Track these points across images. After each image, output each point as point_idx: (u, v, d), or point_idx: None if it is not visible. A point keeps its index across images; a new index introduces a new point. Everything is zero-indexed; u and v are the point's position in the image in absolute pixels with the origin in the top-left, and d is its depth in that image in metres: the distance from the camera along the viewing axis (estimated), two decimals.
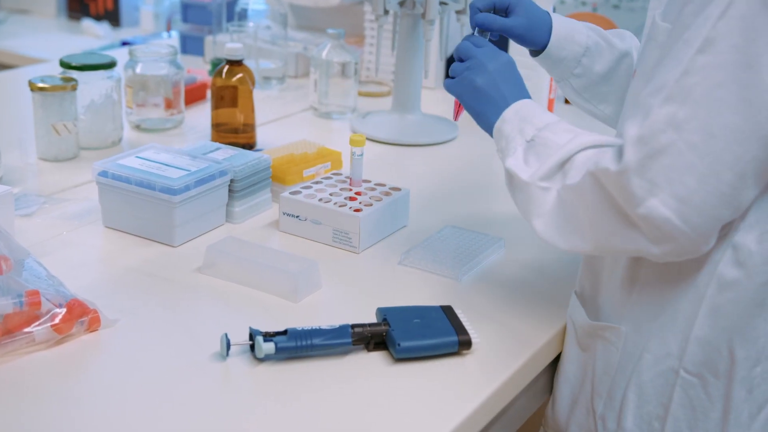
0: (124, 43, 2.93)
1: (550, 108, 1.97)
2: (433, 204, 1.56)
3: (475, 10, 1.27)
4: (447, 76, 1.25)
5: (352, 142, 1.41)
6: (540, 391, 1.24)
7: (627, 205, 0.96)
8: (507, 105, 1.14)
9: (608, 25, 2.59)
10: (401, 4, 1.79)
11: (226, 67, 1.71)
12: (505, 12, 1.29)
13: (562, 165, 1.05)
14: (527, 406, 1.22)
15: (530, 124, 1.11)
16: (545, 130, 1.09)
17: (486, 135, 1.93)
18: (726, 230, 1.00)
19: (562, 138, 1.07)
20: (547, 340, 1.18)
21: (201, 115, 1.96)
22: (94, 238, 1.38)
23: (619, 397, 1.10)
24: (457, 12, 1.80)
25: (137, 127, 1.84)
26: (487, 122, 1.17)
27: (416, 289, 1.27)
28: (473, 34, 1.27)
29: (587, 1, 2.59)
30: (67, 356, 1.08)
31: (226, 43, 1.72)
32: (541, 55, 1.31)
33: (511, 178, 1.10)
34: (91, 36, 3.40)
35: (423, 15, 1.75)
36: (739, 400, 1.03)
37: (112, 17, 3.55)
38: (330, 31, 1.95)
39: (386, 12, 1.77)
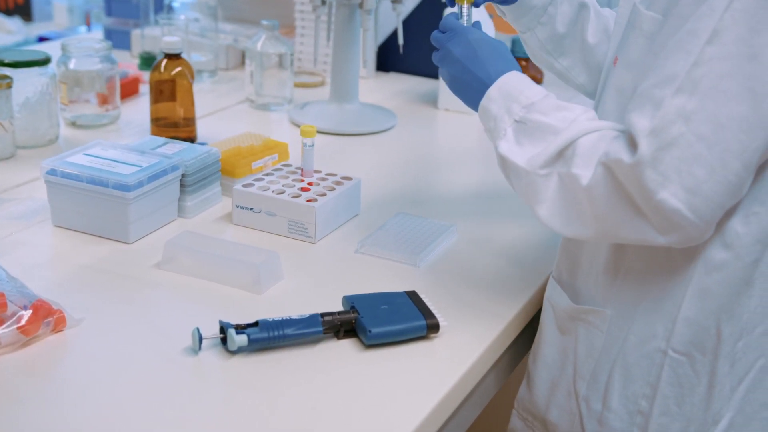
0: (41, 39, 2.87)
1: None
2: (380, 191, 1.58)
3: None
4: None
5: (303, 133, 1.42)
6: (505, 368, 1.27)
7: (638, 197, 0.98)
8: (487, 85, 1.13)
9: None
10: None
11: (165, 61, 1.70)
12: None
13: (563, 151, 1.05)
14: (494, 384, 1.25)
15: (516, 101, 1.10)
16: (534, 111, 1.08)
17: (423, 123, 1.97)
18: None
19: (554, 120, 1.07)
20: (510, 319, 1.21)
21: (135, 110, 1.93)
22: (45, 238, 1.36)
23: (604, 378, 1.13)
24: (393, 2, 1.82)
25: (73, 123, 1.81)
26: (473, 107, 1.17)
27: (376, 277, 1.29)
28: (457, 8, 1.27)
29: None
30: (35, 358, 1.07)
31: (164, 37, 1.70)
32: (514, 5, 1.33)
33: (504, 162, 1.10)
34: (3, 32, 3.31)
35: (361, 5, 1.77)
36: (723, 374, 1.07)
37: (24, 12, 3.47)
38: (264, 22, 1.95)
39: (324, 2, 1.77)
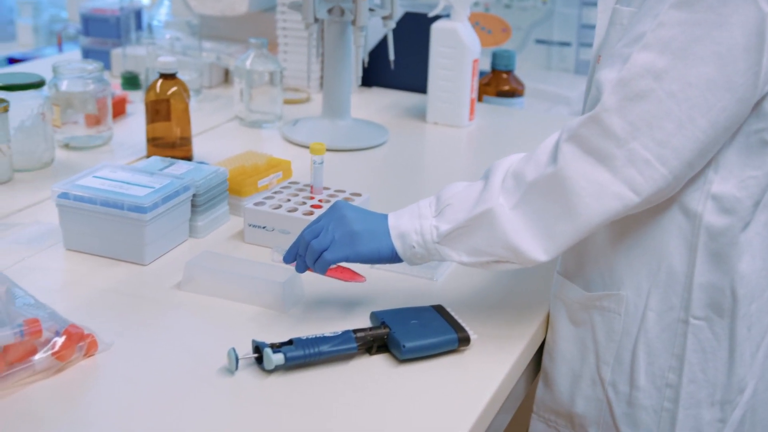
0: (11, 60, 2.83)
1: (471, 109, 2.03)
2: (383, 207, 1.58)
3: None
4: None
5: (313, 151, 1.42)
6: (532, 371, 1.29)
7: (609, 148, 1.03)
8: (385, 219, 1.15)
9: (500, 23, 2.68)
10: (329, 11, 1.81)
11: (160, 81, 1.69)
12: None
13: (503, 184, 1.10)
14: (523, 389, 1.26)
15: (418, 207, 1.14)
16: (442, 199, 1.13)
17: (413, 137, 1.99)
18: (701, 183, 1.09)
19: (467, 184, 1.13)
20: (538, 324, 1.24)
21: (125, 130, 1.92)
22: (58, 262, 1.35)
23: (628, 359, 1.16)
24: (384, 18, 1.83)
25: (66, 146, 1.80)
26: (384, 245, 1.14)
27: (395, 291, 1.30)
28: None
29: (479, 1, 2.67)
30: (70, 383, 1.06)
31: (159, 57, 1.70)
32: None
33: (456, 235, 1.11)
34: None
35: (353, 21, 1.78)
36: (742, 338, 1.12)
37: None
38: (252, 40, 1.95)
39: (316, 20, 1.78)
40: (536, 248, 1.08)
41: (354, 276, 1.21)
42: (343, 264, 1.20)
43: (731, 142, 1.08)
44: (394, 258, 1.15)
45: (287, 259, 1.19)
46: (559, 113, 2.33)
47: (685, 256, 1.11)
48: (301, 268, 1.18)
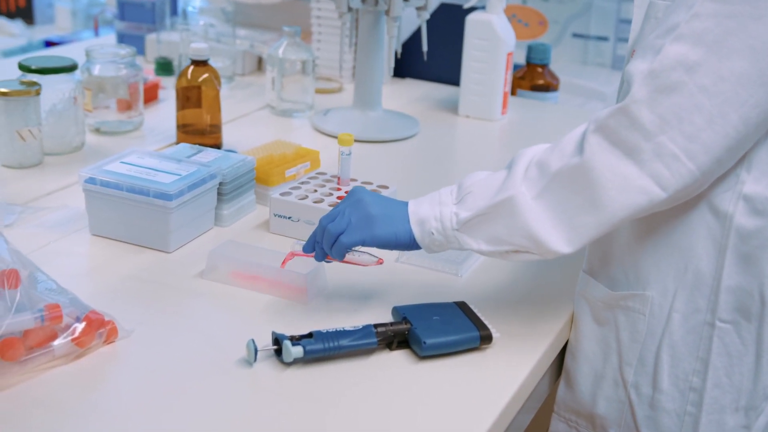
0: (49, 43, 2.85)
1: (504, 103, 2.01)
2: (410, 199, 1.57)
3: None
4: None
5: (341, 142, 1.41)
6: (556, 370, 1.27)
7: (637, 140, 1.01)
8: (405, 205, 1.14)
9: (537, 16, 2.65)
10: (364, 1, 1.79)
11: (191, 68, 1.69)
12: None
13: (526, 173, 1.08)
14: (546, 388, 1.25)
15: (439, 194, 1.14)
16: (465, 183, 1.13)
17: (445, 130, 1.97)
18: (732, 183, 1.06)
19: (489, 173, 1.13)
20: (563, 323, 1.22)
21: (156, 116, 1.92)
22: (83, 247, 1.35)
23: (651, 361, 1.14)
24: (418, 8, 1.82)
25: (97, 130, 1.80)
26: (402, 229, 1.13)
27: (418, 286, 1.29)
28: None
29: None
30: (89, 370, 1.06)
31: (192, 44, 1.70)
32: None
33: (481, 222, 1.10)
34: (5, 35, 3.28)
35: (387, 11, 1.76)
36: None
37: (25, 15, 3.44)
38: (286, 28, 1.94)
39: (350, 9, 1.77)
40: (558, 239, 1.06)
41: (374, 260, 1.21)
42: (361, 248, 1.19)
43: (765, 141, 1.05)
44: (412, 244, 1.14)
45: (307, 249, 1.19)
46: (593, 109, 2.30)
47: (714, 258, 1.09)
48: (320, 256, 1.17)
